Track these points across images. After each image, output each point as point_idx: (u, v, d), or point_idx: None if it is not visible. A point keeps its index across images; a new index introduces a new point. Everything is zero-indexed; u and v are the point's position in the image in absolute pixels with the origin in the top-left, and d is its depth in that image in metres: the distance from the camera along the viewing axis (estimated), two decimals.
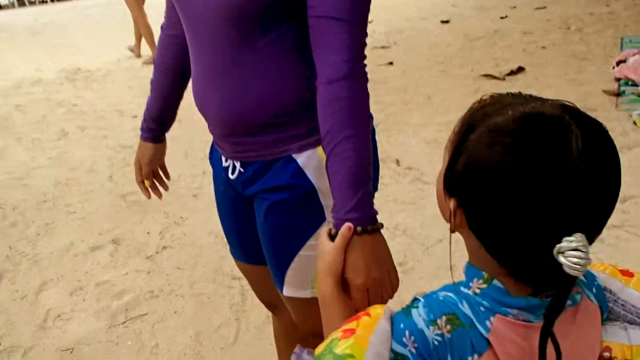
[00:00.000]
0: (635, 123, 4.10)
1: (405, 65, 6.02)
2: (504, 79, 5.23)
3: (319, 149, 1.19)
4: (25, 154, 4.44)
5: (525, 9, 7.66)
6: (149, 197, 1.64)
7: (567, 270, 0.67)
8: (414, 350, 0.74)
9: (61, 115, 5.27)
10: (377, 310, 0.80)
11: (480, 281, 0.77)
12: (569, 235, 0.67)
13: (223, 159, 1.34)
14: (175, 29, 1.42)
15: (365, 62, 1.08)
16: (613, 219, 2.97)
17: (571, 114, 0.70)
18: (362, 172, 1.03)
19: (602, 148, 0.69)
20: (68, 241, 3.14)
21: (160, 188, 1.65)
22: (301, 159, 1.21)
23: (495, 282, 0.75)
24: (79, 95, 5.77)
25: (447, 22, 7.57)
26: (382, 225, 1.07)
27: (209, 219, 3.25)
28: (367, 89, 1.07)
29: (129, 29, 7.52)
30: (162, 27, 1.47)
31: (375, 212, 1.06)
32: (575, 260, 0.66)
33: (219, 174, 1.40)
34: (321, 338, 1.41)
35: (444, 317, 0.75)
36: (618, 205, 3.01)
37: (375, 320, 0.77)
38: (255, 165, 1.25)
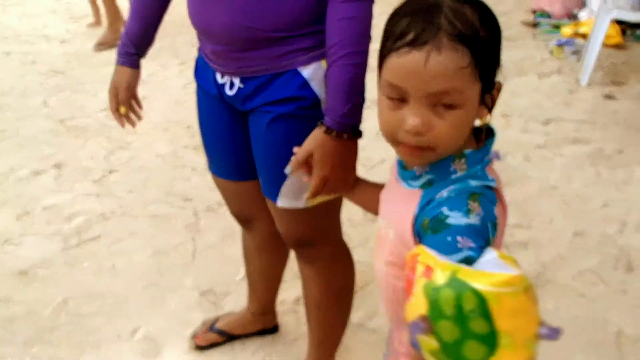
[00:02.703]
0: (551, 52, 4.32)
1: None
2: None
3: (324, 62, 1.25)
4: None
5: None
6: (123, 125, 1.62)
7: None
8: (472, 245, 0.81)
9: None
10: (415, 251, 0.83)
11: (456, 160, 0.91)
12: None
13: (218, 75, 1.36)
14: None
15: None
16: (537, 140, 3.22)
17: None
18: (358, 85, 1.18)
19: None
20: (7, 167, 3.05)
21: (134, 117, 1.62)
22: (307, 71, 1.26)
23: (465, 150, 0.91)
24: None
25: None
26: (361, 135, 1.24)
27: (155, 142, 3.25)
28: (372, 12, 1.18)
29: None
30: None
31: (360, 122, 1.20)
32: None
33: (210, 91, 1.41)
34: (309, 246, 1.51)
35: (469, 201, 0.85)
36: (541, 127, 3.22)
37: (427, 254, 0.81)
38: (258, 80, 1.29)
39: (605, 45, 4.07)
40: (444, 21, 0.84)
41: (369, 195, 1.22)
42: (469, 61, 0.83)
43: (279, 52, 1.25)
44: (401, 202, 0.96)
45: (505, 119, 3.41)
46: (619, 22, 4.24)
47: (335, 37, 1.17)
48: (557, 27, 4.77)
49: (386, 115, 0.89)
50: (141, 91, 1.64)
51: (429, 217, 0.87)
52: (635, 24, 4.28)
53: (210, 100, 1.45)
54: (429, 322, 0.75)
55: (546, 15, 5.00)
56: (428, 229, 0.85)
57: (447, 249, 0.80)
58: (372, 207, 1.20)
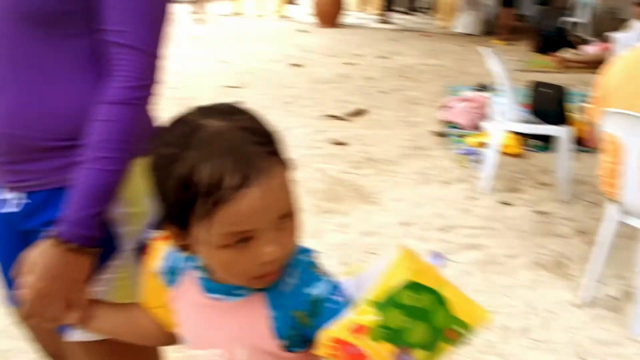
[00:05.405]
0: (457, 161, 4.39)
1: (254, 104, 5.90)
2: (346, 119, 5.40)
3: None
4: None
5: (369, 58, 8.26)
6: None
7: None
8: (344, 295, 0.87)
9: None
10: (327, 338, 0.83)
11: None
12: None
13: None
14: None
15: (151, 93, 1.09)
16: (434, 248, 3.11)
17: None
18: (102, 193, 1.04)
19: None
20: None
21: None
22: None
23: None
24: None
25: (297, 65, 7.75)
26: (95, 252, 1.07)
27: None
28: (138, 119, 1.07)
29: None
30: None
31: (98, 237, 1.05)
32: None
33: None
34: None
35: (314, 271, 0.90)
36: (440, 234, 3.10)
37: (338, 327, 0.83)
38: (36, 196, 1.13)
39: (505, 154, 4.20)
40: (248, 146, 0.79)
41: (116, 324, 1.09)
42: (282, 161, 0.83)
43: (56, 165, 1.11)
44: (236, 317, 0.90)
45: (404, 227, 3.31)
46: (519, 133, 4.35)
47: (90, 137, 1.05)
48: (463, 137, 4.87)
49: (234, 264, 0.83)
50: None
51: (297, 309, 0.86)
52: (531, 135, 4.40)
53: None
54: (404, 347, 0.80)
55: (453, 126, 5.13)
56: (311, 317, 0.85)
57: (338, 312, 0.84)
58: (122, 334, 1.10)
